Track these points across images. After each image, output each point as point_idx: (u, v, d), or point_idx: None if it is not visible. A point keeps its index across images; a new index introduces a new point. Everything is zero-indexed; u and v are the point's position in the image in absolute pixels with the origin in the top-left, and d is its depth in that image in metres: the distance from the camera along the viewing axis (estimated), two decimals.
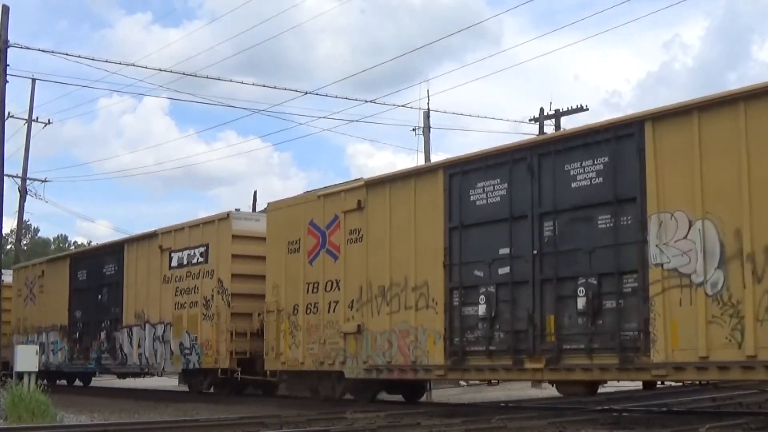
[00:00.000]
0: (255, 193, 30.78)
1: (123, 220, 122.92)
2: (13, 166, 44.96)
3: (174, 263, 20.51)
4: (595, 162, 12.34)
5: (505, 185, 13.46)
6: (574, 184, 12.57)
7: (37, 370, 16.51)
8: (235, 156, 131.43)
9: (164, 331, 20.74)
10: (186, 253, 20.13)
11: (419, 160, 27.79)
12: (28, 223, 67.87)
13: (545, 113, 31.90)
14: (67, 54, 28.37)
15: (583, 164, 12.47)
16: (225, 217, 19.22)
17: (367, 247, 15.61)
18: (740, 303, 10.66)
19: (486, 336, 13.52)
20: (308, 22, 71.50)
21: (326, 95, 31.00)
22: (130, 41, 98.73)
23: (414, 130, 29.94)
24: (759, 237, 10.57)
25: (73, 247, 67.06)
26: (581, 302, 12.22)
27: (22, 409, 14.18)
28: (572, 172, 12.59)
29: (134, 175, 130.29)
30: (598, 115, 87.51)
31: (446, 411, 14.33)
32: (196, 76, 28.88)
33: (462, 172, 14.16)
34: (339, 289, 16.07)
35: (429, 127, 29.44)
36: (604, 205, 12.15)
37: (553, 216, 12.79)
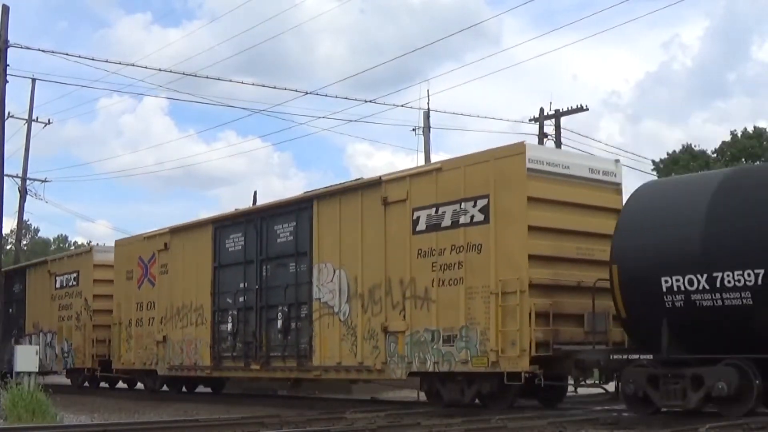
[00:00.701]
0: (255, 193, 31.00)
1: (123, 220, 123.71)
2: (13, 166, 44.12)
3: (58, 285, 25.96)
4: (289, 225, 17.66)
5: (244, 238, 18.80)
6: (278, 240, 17.88)
7: (37, 370, 17.97)
8: (235, 156, 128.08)
9: (52, 339, 26.20)
10: (65, 277, 25.58)
11: (419, 160, 28.34)
12: (28, 223, 67.91)
13: (545, 113, 31.97)
14: (67, 54, 28.67)
15: (283, 226, 17.79)
16: (89, 250, 24.74)
17: (171, 278, 20.98)
18: (356, 326, 15.95)
19: (232, 346, 18.91)
20: (308, 22, 71.45)
21: (326, 95, 30.88)
22: (130, 41, 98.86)
23: (414, 130, 30.15)
24: (366, 282, 15.85)
25: (73, 247, 67.84)
26: (279, 323, 17.59)
27: (22, 409, 14.47)
28: (278, 231, 17.92)
29: (134, 175, 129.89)
30: (597, 115, 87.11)
31: (446, 411, 14.39)
32: (195, 76, 29.01)
33: (222, 226, 19.53)
34: (154, 308, 21.46)
35: (429, 127, 29.50)
36: (293, 255, 17.47)
37: (267, 262, 18.12)
